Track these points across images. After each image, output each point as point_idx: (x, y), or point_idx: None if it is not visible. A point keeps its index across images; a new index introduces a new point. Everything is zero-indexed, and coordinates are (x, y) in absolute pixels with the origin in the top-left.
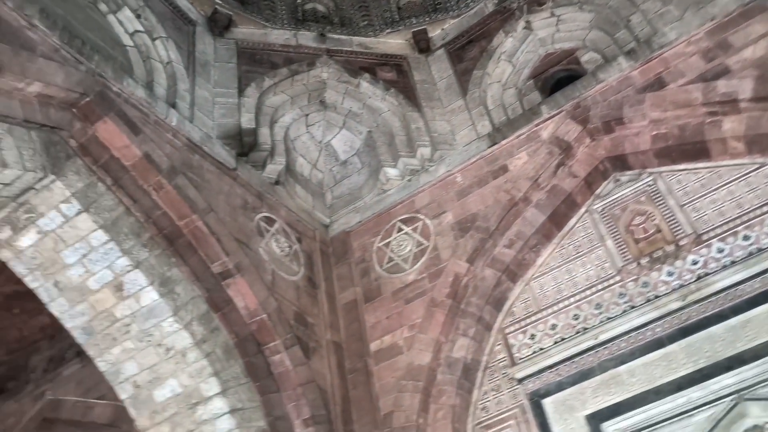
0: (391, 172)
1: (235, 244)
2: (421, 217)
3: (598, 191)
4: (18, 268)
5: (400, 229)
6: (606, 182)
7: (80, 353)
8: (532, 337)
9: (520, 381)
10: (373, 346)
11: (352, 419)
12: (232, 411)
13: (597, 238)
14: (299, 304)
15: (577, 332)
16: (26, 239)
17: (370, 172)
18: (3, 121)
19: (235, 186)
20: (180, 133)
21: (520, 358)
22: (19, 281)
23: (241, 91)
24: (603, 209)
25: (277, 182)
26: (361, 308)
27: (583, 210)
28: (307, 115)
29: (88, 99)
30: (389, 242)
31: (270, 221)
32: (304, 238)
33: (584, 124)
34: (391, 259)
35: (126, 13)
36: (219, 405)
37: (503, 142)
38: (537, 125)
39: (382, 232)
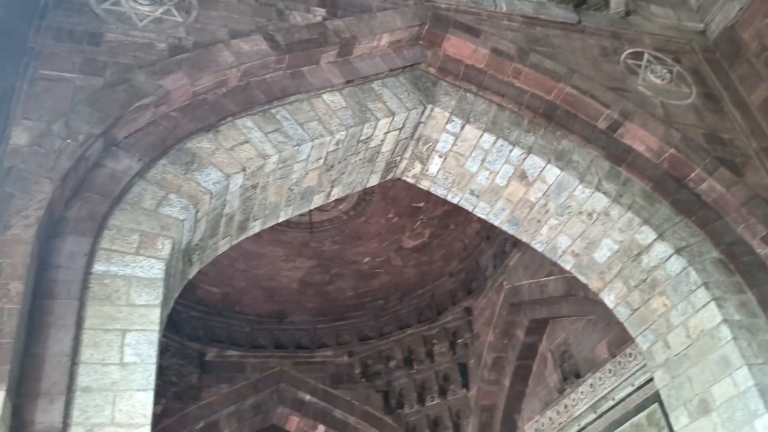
0: None
1: (611, 94)
2: None
3: None
4: (439, 191)
5: None
6: None
7: (516, 243)
8: None
9: None
10: None
11: None
12: (678, 250)
13: None
14: (705, 124)
15: None
16: (434, 166)
17: None
18: (376, 79)
19: (586, 38)
20: (513, 14)
21: None
22: (444, 202)
23: None
24: None
25: (627, 13)
26: None
27: None
28: None
29: (426, 26)
30: None
31: (637, 55)
32: (682, 55)
33: None
34: None
35: None
36: (662, 249)
37: None
38: None
39: None
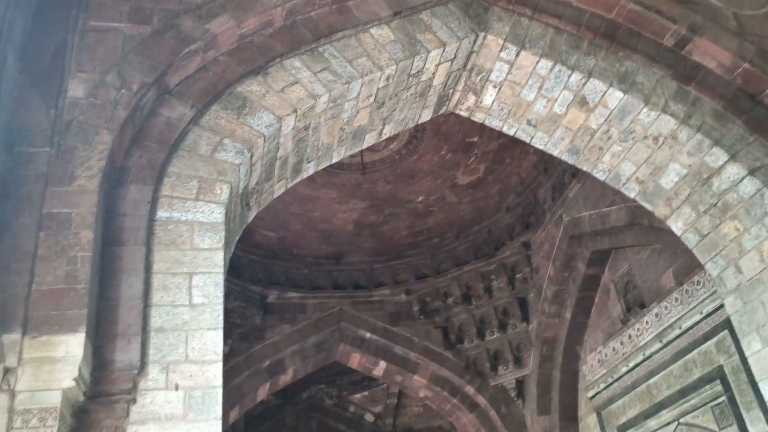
0: None
1: (678, 7)
2: None
3: None
4: (494, 123)
5: None
6: None
7: (575, 174)
8: None
9: None
10: None
11: None
12: (752, 171)
13: None
14: None
15: None
16: (488, 97)
17: None
18: (424, 9)
19: None
20: None
21: None
22: (499, 135)
23: None
24: None
25: None
26: None
27: None
28: None
29: None
30: None
31: None
32: None
33: None
34: None
35: None
36: (734, 171)
37: None
38: None
39: None
